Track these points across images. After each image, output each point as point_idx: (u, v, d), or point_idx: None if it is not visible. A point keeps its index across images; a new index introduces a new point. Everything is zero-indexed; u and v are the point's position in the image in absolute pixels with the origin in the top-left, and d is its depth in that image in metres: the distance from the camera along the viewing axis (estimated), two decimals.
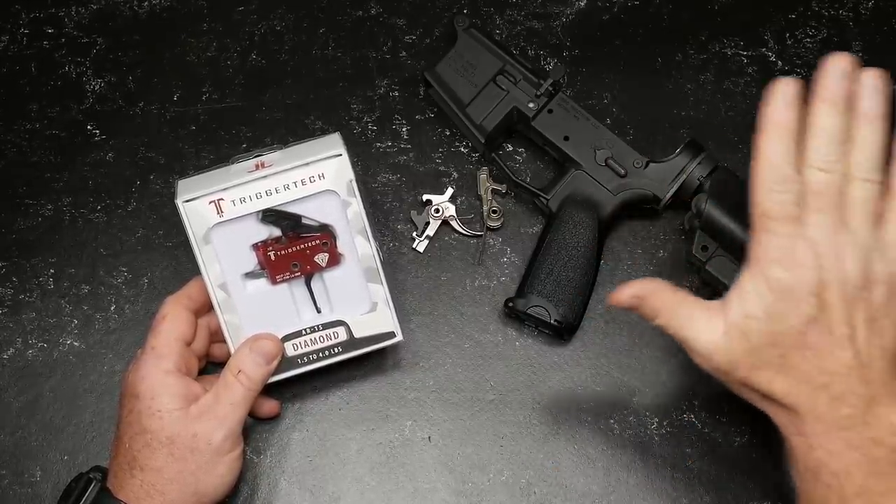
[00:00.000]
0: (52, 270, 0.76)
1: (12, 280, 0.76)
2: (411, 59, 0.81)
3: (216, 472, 0.63)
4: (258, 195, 0.64)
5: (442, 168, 0.78)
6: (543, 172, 0.77)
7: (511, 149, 0.78)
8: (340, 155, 0.64)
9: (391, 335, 0.68)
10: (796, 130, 0.57)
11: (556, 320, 0.71)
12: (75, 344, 0.74)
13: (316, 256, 0.66)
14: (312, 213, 0.65)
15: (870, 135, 0.57)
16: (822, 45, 0.80)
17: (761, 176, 0.57)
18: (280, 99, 0.80)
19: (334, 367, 0.69)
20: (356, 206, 0.65)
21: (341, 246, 0.66)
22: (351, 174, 0.64)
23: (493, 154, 0.76)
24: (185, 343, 0.65)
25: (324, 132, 0.77)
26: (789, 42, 0.81)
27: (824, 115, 0.57)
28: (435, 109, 0.79)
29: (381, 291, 0.67)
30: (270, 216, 0.65)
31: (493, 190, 0.76)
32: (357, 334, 0.67)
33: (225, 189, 0.64)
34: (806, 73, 0.80)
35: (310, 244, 0.66)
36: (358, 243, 0.66)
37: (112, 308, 0.75)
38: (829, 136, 0.56)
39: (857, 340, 0.56)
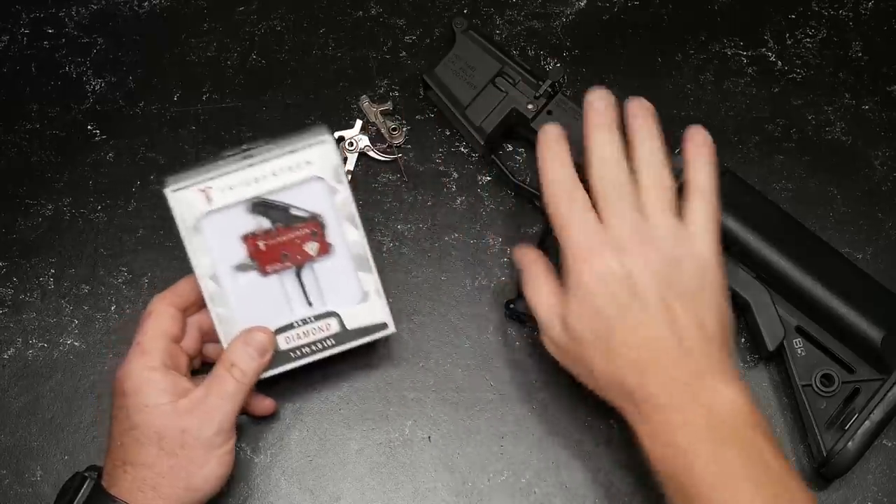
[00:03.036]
0: (52, 270, 0.76)
1: (12, 280, 0.76)
2: (411, 60, 0.81)
3: (207, 466, 0.63)
4: (246, 183, 0.64)
5: (442, 168, 0.78)
6: None
7: (511, 149, 0.78)
8: (325, 142, 0.64)
9: (384, 326, 0.67)
10: (571, 160, 0.64)
11: None
12: (75, 344, 0.74)
13: (305, 245, 0.66)
14: (301, 202, 0.65)
15: (650, 147, 0.63)
16: (822, 45, 0.80)
17: (550, 193, 0.63)
18: (280, 99, 0.80)
19: (334, 366, 0.69)
20: (343, 193, 0.65)
21: (331, 236, 0.66)
22: (337, 160, 0.64)
23: (493, 156, 0.76)
24: (170, 339, 0.65)
25: None
26: (789, 42, 0.81)
27: (598, 137, 0.63)
28: (435, 109, 0.79)
29: (371, 280, 0.66)
30: (259, 207, 0.65)
31: (381, 112, 0.77)
32: (349, 325, 0.67)
33: (212, 178, 0.64)
34: (806, 72, 0.80)
35: (299, 233, 0.66)
36: (346, 230, 0.66)
37: (112, 308, 0.75)
38: (607, 151, 0.63)
39: (675, 318, 0.60)
